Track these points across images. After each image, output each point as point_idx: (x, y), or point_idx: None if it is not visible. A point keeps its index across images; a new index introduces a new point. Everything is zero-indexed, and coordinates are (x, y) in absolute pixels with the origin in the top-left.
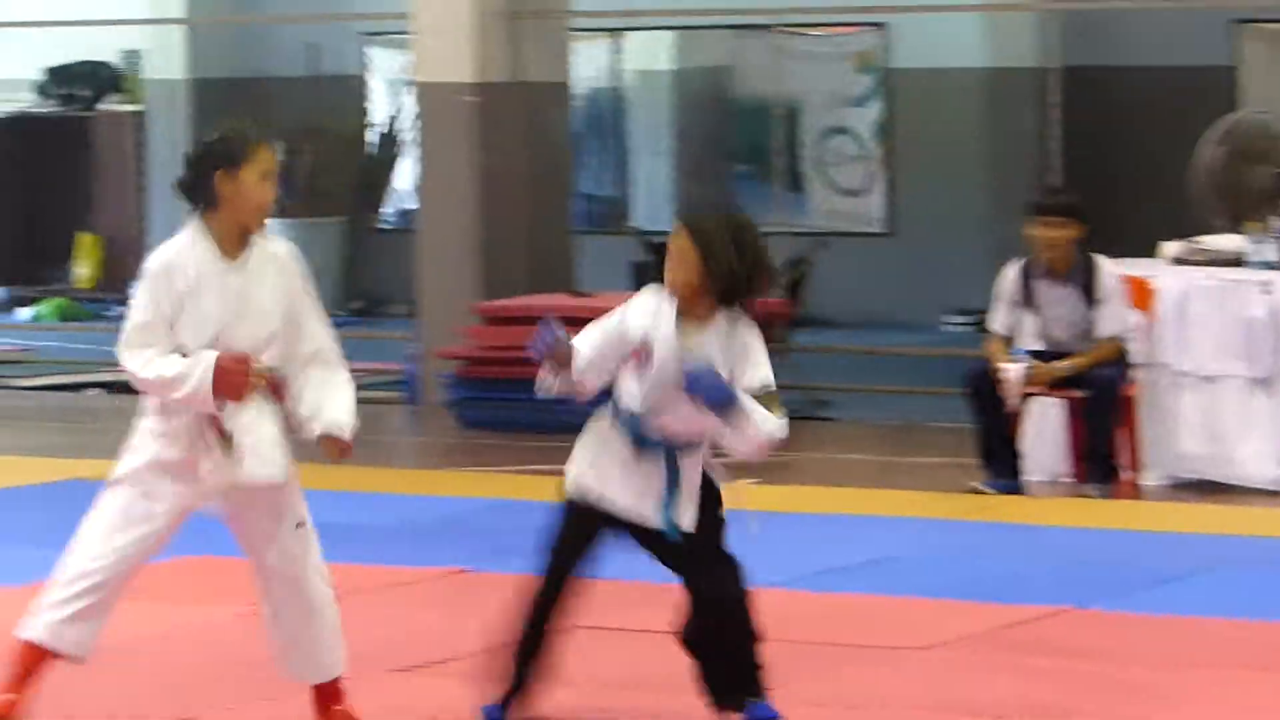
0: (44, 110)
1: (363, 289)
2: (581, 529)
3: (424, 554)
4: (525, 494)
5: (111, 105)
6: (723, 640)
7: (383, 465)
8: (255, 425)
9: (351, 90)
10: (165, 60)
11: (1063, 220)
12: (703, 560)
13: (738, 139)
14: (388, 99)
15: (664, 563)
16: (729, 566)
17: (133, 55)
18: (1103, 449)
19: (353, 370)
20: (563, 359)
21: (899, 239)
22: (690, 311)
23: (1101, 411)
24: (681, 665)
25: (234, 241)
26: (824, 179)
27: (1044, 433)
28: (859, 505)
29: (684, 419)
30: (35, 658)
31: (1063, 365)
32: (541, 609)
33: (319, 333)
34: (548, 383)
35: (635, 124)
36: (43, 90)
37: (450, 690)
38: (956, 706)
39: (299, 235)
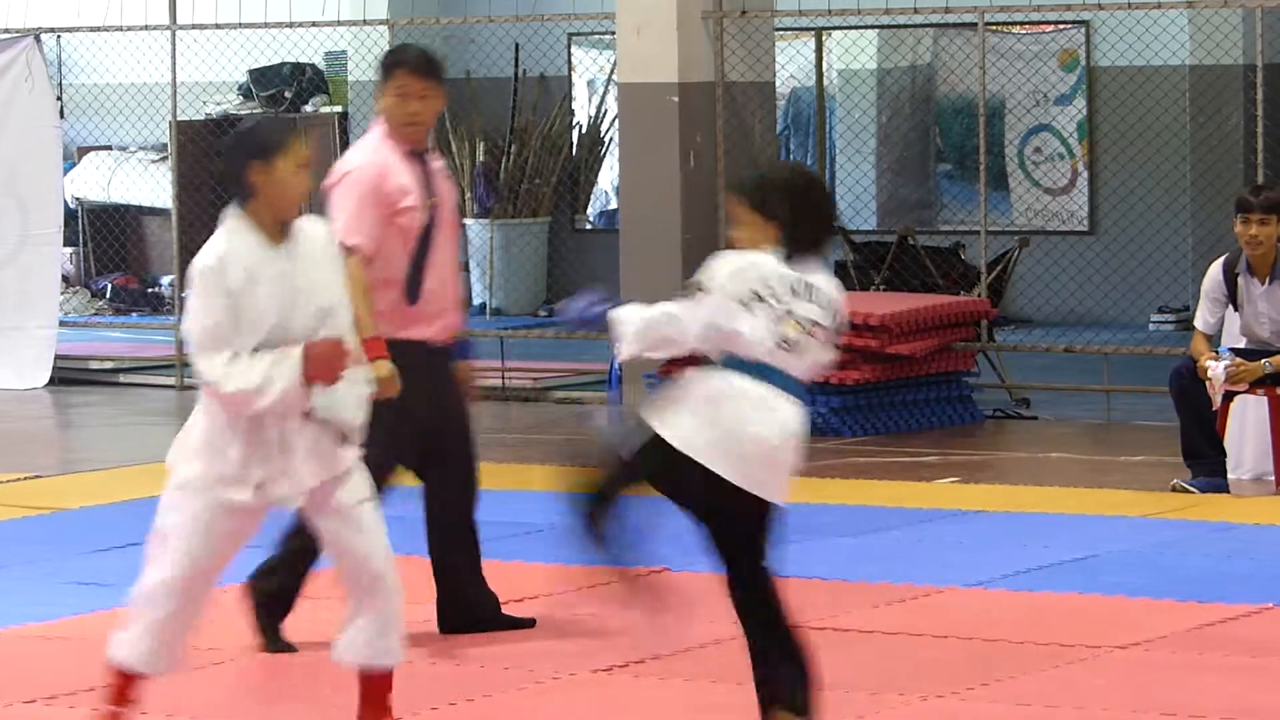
0: (248, 112)
1: (566, 288)
2: None
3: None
4: None
5: (315, 107)
6: None
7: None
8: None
9: (555, 91)
10: (368, 62)
11: (1267, 217)
12: None
13: (940, 137)
14: (591, 99)
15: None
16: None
17: (336, 57)
18: None
19: (557, 369)
20: None
21: (1102, 237)
22: None
23: None
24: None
25: (276, 230)
26: (1027, 177)
27: (1247, 431)
28: (1061, 504)
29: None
30: (123, 679)
31: (1272, 361)
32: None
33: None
34: None
35: (838, 123)
36: (246, 92)
37: (650, 689)
38: (1156, 706)
39: (502, 235)
